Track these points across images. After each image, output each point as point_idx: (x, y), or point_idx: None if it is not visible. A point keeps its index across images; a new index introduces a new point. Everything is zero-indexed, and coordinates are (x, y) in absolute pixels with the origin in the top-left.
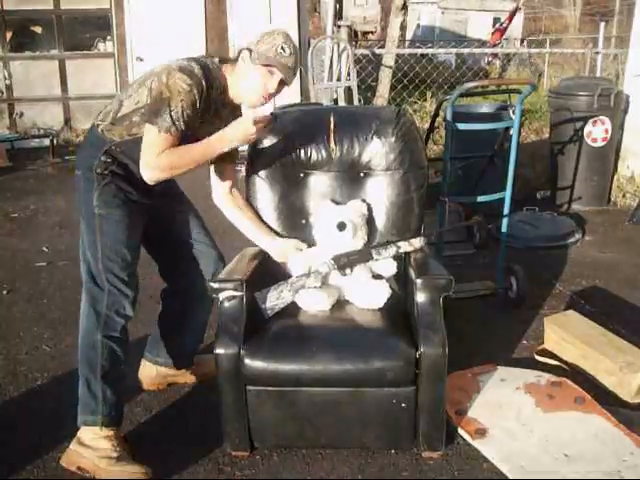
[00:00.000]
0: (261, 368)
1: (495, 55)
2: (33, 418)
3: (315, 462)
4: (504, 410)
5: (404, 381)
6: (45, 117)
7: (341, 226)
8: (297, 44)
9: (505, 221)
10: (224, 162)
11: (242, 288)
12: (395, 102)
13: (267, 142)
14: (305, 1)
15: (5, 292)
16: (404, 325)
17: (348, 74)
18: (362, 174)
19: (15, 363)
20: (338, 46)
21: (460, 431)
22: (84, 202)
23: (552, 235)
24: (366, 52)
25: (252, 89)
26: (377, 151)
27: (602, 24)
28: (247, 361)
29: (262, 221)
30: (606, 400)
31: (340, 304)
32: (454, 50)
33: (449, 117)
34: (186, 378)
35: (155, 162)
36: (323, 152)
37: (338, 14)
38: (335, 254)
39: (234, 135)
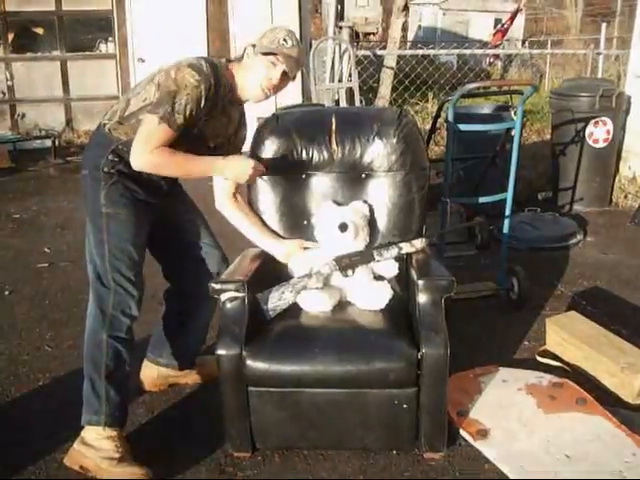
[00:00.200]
0: (263, 369)
1: (496, 56)
2: (35, 419)
3: (317, 463)
4: (505, 411)
5: (406, 382)
6: (47, 118)
7: (343, 227)
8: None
9: (507, 222)
10: None
11: (244, 289)
12: (397, 103)
13: (269, 143)
14: (307, 2)
15: (7, 293)
16: (406, 326)
17: (350, 75)
18: (364, 175)
19: (17, 364)
20: (340, 47)
21: (462, 432)
22: (91, 201)
23: (554, 236)
24: (368, 53)
25: (256, 81)
26: (379, 152)
27: (603, 25)
28: (249, 362)
29: (265, 224)
30: (608, 401)
31: (342, 305)
32: (456, 51)
33: (451, 118)
34: (188, 379)
35: (148, 157)
36: (325, 153)
37: (339, 15)
38: (337, 255)
39: (230, 169)
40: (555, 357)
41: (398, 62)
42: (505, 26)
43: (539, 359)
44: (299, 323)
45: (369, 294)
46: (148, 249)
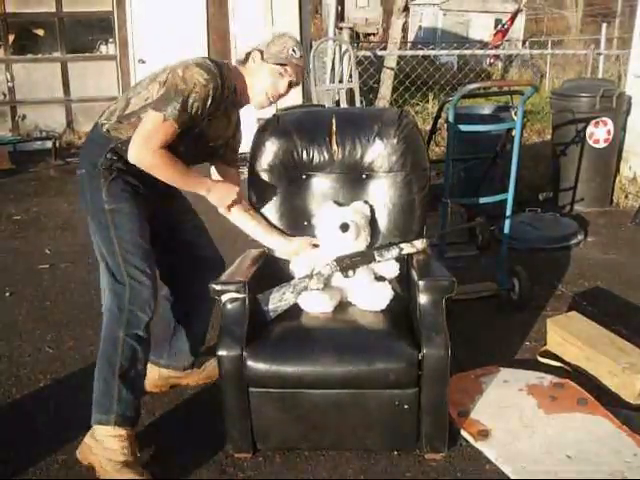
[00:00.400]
0: (263, 370)
1: (497, 56)
2: (35, 420)
3: (318, 463)
4: (507, 411)
5: (407, 383)
6: (47, 119)
7: (344, 227)
8: None
9: (507, 222)
10: (223, 162)
11: (244, 290)
12: (397, 104)
13: (269, 144)
14: (307, 3)
15: (8, 294)
16: (407, 327)
17: (350, 76)
18: (364, 176)
19: (18, 365)
20: (340, 48)
21: (463, 432)
22: (92, 200)
23: (554, 236)
24: (368, 54)
25: (261, 89)
26: (379, 153)
27: (604, 25)
28: (250, 363)
29: (271, 223)
30: (609, 401)
31: (343, 306)
32: (456, 52)
33: (451, 119)
34: (188, 380)
35: (148, 155)
36: (325, 154)
37: (340, 16)
38: (338, 255)
39: (215, 192)
40: (556, 357)
41: (398, 63)
42: (505, 26)
43: (540, 359)
44: (300, 324)
45: (370, 295)
46: None
